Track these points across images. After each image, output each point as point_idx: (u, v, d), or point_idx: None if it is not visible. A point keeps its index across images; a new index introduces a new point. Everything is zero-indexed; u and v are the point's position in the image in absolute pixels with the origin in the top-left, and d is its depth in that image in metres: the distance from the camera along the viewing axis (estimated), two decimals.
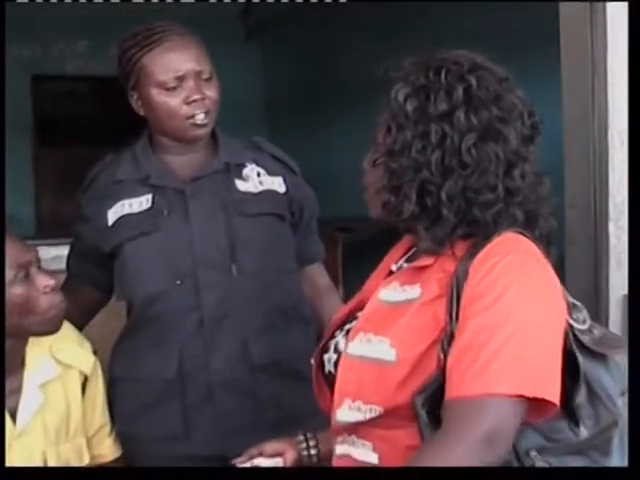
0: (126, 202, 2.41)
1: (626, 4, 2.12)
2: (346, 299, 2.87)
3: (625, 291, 2.15)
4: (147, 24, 2.41)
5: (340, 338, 1.77)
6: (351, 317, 1.79)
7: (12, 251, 2.09)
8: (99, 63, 6.62)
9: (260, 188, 2.44)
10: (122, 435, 2.41)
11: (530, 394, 1.47)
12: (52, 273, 2.16)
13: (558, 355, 1.53)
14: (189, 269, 2.35)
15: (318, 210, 2.61)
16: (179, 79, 2.35)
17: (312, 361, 1.83)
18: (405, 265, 1.75)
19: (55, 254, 3.37)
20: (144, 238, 2.37)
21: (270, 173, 2.47)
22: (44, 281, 2.12)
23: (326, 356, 1.79)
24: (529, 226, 1.65)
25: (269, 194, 2.44)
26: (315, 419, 2.45)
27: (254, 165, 2.46)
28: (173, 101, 2.35)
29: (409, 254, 1.79)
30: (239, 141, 2.52)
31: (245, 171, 2.45)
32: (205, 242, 2.36)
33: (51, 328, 2.16)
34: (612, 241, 2.16)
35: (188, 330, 2.36)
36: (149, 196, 2.40)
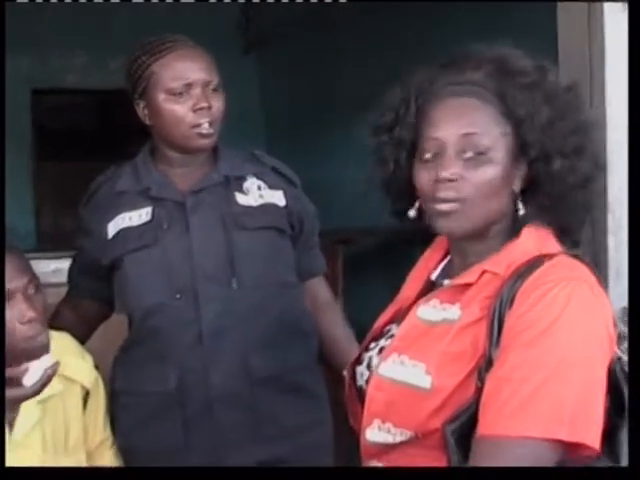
0: (126, 215, 2.41)
1: (624, 19, 2.13)
2: (346, 311, 2.88)
3: (624, 303, 2.15)
4: (158, 36, 2.43)
5: (374, 355, 1.70)
6: (387, 330, 1.73)
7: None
8: (99, 76, 6.63)
9: (260, 201, 2.44)
10: (122, 448, 2.40)
11: (568, 438, 1.41)
12: (34, 305, 2.10)
13: (601, 395, 1.46)
14: (188, 282, 2.35)
15: (319, 224, 2.61)
16: (187, 87, 2.36)
17: (344, 373, 1.78)
18: (446, 282, 1.67)
19: (55, 267, 3.38)
20: (144, 251, 2.37)
21: (271, 186, 2.47)
22: (22, 312, 2.09)
23: (359, 369, 1.73)
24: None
25: (269, 208, 2.44)
26: (313, 433, 2.47)
27: (254, 178, 2.46)
28: (180, 108, 2.36)
29: (446, 262, 1.74)
30: (240, 154, 2.52)
31: (245, 184, 2.45)
32: (205, 255, 2.36)
33: (28, 358, 2.14)
34: (611, 254, 2.15)
35: (187, 344, 2.36)
36: (149, 209, 2.41)
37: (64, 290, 2.65)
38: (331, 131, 5.70)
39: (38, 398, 2.17)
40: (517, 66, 1.63)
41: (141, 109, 2.43)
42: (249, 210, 2.41)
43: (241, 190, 2.44)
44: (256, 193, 2.45)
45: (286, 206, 2.47)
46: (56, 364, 1.94)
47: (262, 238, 2.41)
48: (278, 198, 2.47)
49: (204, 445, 2.39)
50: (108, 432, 2.37)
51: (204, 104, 2.36)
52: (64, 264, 2.67)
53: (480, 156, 1.58)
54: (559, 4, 2.23)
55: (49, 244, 5.36)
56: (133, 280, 2.40)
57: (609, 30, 2.15)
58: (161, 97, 2.37)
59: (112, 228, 2.42)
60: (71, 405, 2.27)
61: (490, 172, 1.58)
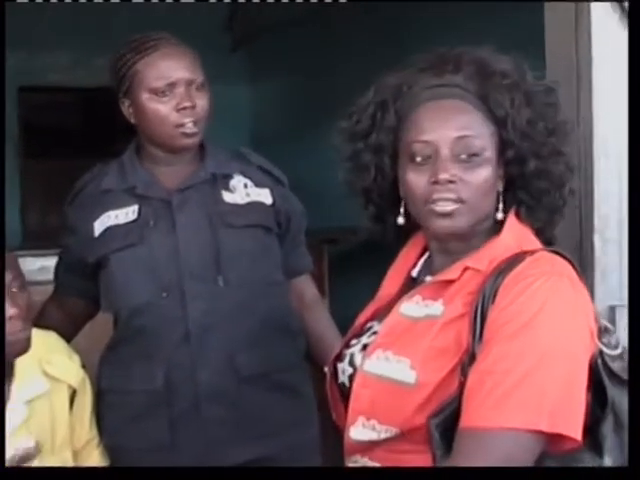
0: (112, 213, 2.41)
1: (612, 17, 2.14)
2: (332, 310, 2.89)
3: (610, 302, 2.15)
4: (143, 33, 2.42)
5: (356, 351, 1.71)
6: (368, 327, 1.74)
7: None
8: (85, 74, 6.62)
9: (247, 200, 2.44)
10: (109, 446, 2.40)
11: (549, 430, 1.42)
12: (17, 303, 2.11)
13: (582, 387, 1.47)
14: (175, 281, 2.35)
15: (306, 222, 2.61)
16: (171, 86, 2.35)
17: (325, 369, 1.78)
18: (428, 278, 1.69)
19: (41, 265, 3.37)
20: (130, 250, 2.37)
21: (257, 185, 2.47)
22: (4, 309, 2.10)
23: (340, 366, 1.73)
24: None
25: (256, 206, 2.44)
26: (299, 431, 2.47)
27: (241, 176, 2.46)
28: (163, 107, 2.36)
29: (424, 258, 1.76)
30: (226, 152, 2.52)
31: (232, 182, 2.45)
32: (191, 254, 2.36)
33: (9, 355, 2.14)
34: (597, 253, 2.16)
35: (174, 342, 2.36)
36: (135, 207, 2.40)
37: (50, 288, 2.64)
38: (318, 130, 5.69)
39: (25, 398, 2.17)
40: (497, 67, 1.65)
41: (126, 107, 2.43)
42: (235, 208, 2.41)
43: (227, 188, 2.43)
44: (242, 191, 2.44)
45: (273, 204, 2.47)
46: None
47: (248, 236, 2.41)
48: (265, 196, 2.47)
49: (191, 443, 2.39)
50: (94, 431, 2.37)
51: (187, 103, 2.36)
52: (50, 262, 2.66)
53: (474, 157, 1.60)
54: (546, 4, 2.23)
55: (35, 242, 5.34)
56: (119, 279, 2.39)
57: (596, 30, 2.16)
58: (145, 96, 2.37)
59: (98, 226, 2.41)
60: (58, 404, 2.26)
61: (484, 173, 1.61)
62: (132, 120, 2.44)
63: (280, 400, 2.43)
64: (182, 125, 2.36)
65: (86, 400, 2.33)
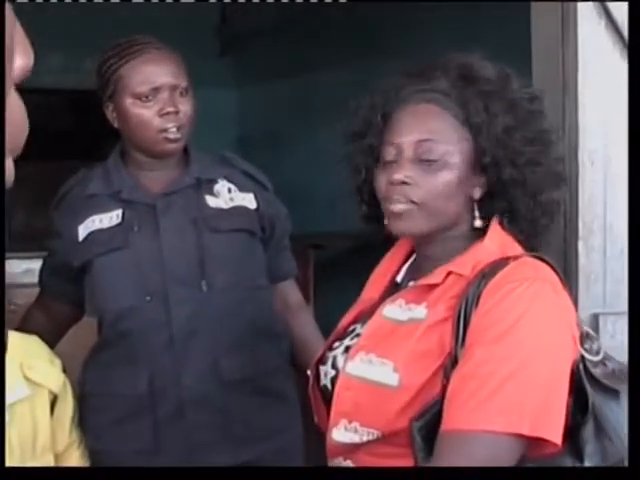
0: (97, 217, 2.40)
1: (598, 26, 2.14)
2: (317, 315, 2.89)
3: (595, 309, 2.16)
4: (129, 37, 2.42)
5: (339, 354, 1.72)
6: (351, 330, 1.75)
7: None
8: (75, 77, 6.60)
9: (231, 204, 2.43)
10: (91, 449, 2.38)
11: (529, 433, 1.43)
12: None
13: (564, 392, 1.49)
14: (159, 285, 2.35)
15: (290, 227, 2.61)
16: (154, 91, 2.35)
17: (308, 372, 1.80)
18: (412, 283, 1.70)
19: (26, 267, 3.37)
20: (114, 254, 2.37)
21: (241, 189, 2.47)
22: None
23: (322, 368, 1.75)
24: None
25: (240, 210, 2.44)
26: (284, 436, 2.47)
27: (225, 181, 2.46)
28: (147, 112, 2.36)
29: (410, 261, 1.77)
30: (211, 157, 2.52)
31: (216, 187, 2.44)
32: (175, 258, 2.36)
33: None
34: (581, 260, 2.17)
35: (158, 346, 2.36)
36: (119, 211, 2.40)
37: (35, 291, 2.63)
38: (305, 135, 5.69)
39: (6, 402, 2.16)
40: (479, 74, 1.66)
41: (110, 112, 2.42)
42: (219, 213, 2.41)
43: (212, 193, 2.43)
44: (226, 196, 2.44)
45: (257, 209, 2.47)
46: None
47: (232, 241, 2.41)
48: (249, 201, 2.46)
49: (175, 447, 2.38)
50: (75, 436, 2.35)
51: (171, 109, 2.35)
52: (35, 264, 2.66)
53: (434, 162, 1.62)
54: (533, 6, 2.23)
55: (20, 244, 5.31)
56: (103, 283, 2.39)
57: (582, 36, 2.16)
58: (128, 101, 2.37)
59: (82, 230, 2.41)
60: (39, 409, 2.24)
61: (445, 177, 1.63)
62: (115, 124, 2.43)
63: (264, 404, 2.43)
64: (165, 130, 2.36)
65: (67, 405, 2.32)
